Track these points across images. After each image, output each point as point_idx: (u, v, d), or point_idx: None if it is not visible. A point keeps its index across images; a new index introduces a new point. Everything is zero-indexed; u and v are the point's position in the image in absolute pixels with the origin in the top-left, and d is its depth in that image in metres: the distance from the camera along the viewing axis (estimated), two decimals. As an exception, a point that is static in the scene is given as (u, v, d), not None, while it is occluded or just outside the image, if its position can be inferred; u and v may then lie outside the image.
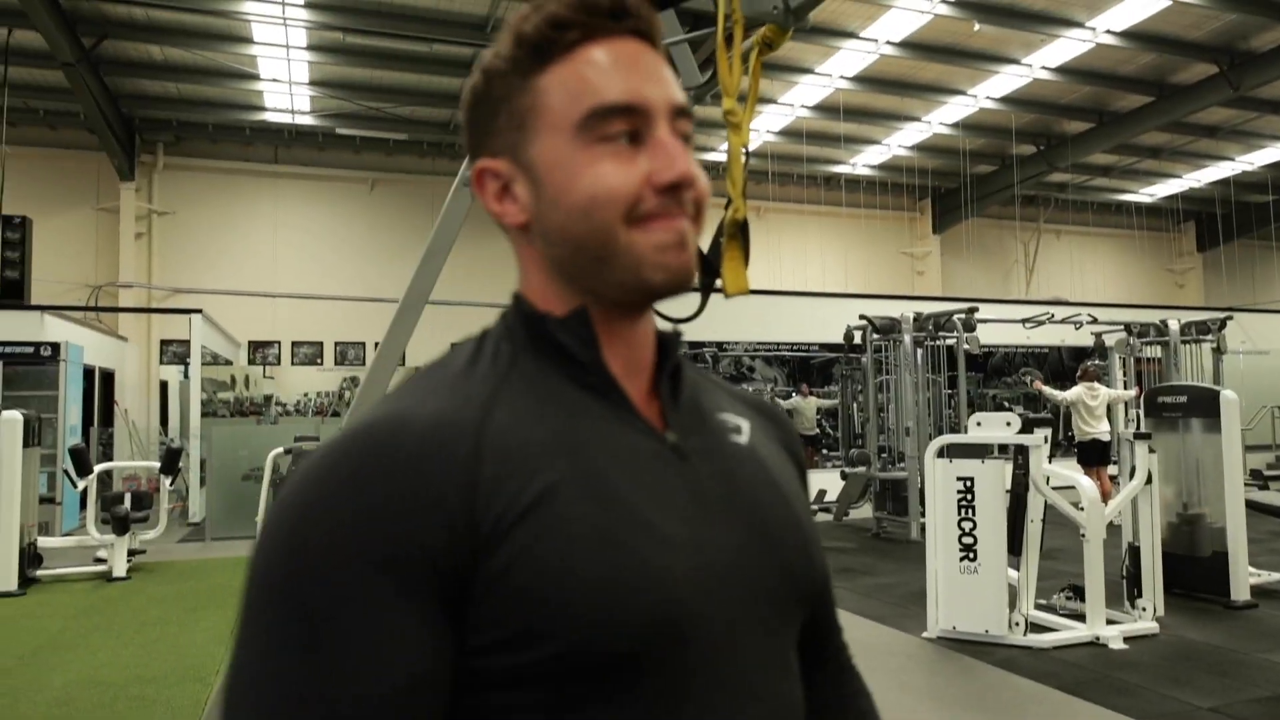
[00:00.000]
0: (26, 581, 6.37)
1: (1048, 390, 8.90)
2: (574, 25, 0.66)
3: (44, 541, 6.87)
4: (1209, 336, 10.03)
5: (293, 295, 14.60)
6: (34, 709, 3.92)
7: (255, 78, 12.16)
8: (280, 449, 6.90)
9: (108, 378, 11.31)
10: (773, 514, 0.71)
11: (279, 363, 14.37)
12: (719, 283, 1.74)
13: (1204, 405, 5.81)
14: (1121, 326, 10.39)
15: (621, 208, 0.64)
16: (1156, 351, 10.51)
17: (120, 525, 6.84)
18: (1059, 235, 19.51)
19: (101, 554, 7.00)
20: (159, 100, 13.11)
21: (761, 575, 0.67)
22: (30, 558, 6.45)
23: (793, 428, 0.85)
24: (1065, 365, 14.82)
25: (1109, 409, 8.62)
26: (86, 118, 12.39)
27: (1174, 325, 10.00)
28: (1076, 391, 8.49)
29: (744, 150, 1.82)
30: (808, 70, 12.13)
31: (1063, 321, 10.75)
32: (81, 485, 7.13)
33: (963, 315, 8.88)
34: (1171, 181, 17.47)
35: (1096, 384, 8.73)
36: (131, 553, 7.09)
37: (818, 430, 12.77)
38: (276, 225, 14.77)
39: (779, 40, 1.59)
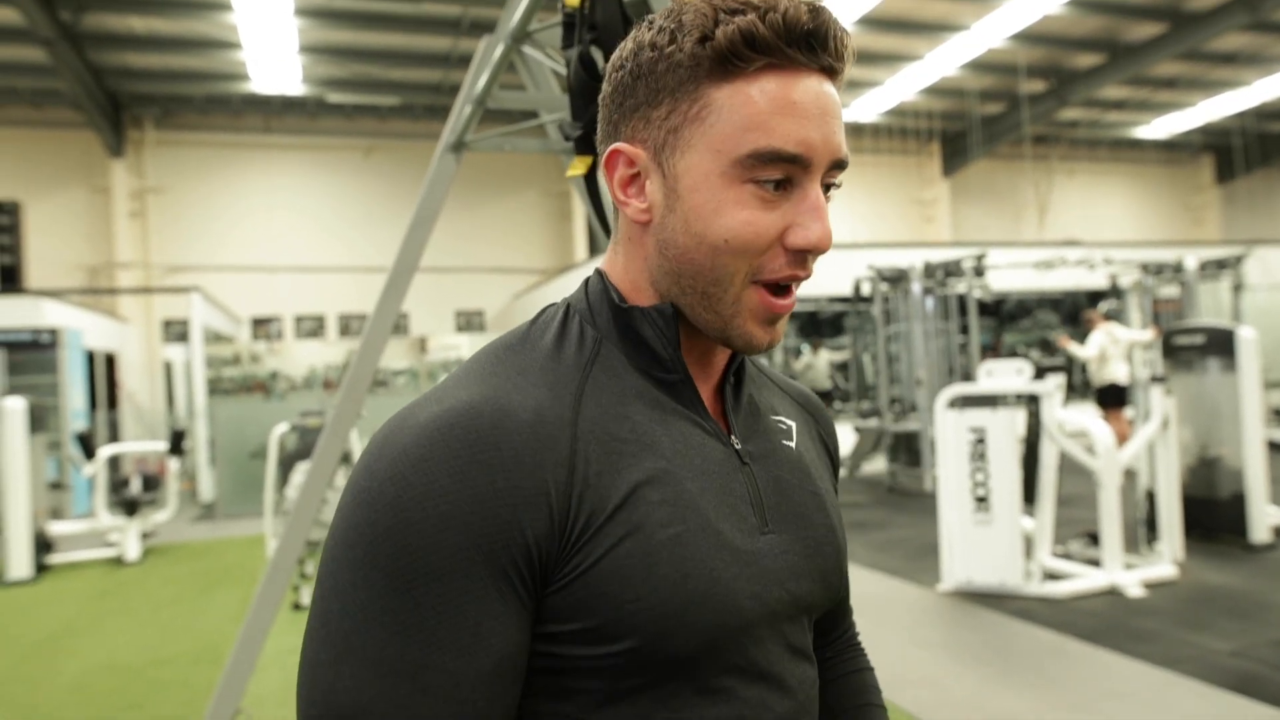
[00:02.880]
0: (40, 568, 6.40)
1: (1074, 348, 8.76)
2: (769, 50, 0.63)
3: (55, 527, 6.89)
4: (1227, 272, 9.80)
5: (292, 268, 14.51)
6: (51, 695, 3.93)
7: (240, 47, 11.90)
8: (284, 425, 6.85)
9: (110, 360, 11.29)
10: (815, 522, 0.75)
11: (281, 337, 14.33)
12: None
13: (1221, 344, 5.65)
14: (1137, 266, 10.14)
15: (750, 262, 0.65)
16: (1174, 290, 10.28)
17: (129, 508, 6.85)
18: (1072, 174, 19.09)
19: (113, 537, 7.03)
20: (144, 74, 12.87)
21: (801, 581, 0.71)
22: (42, 544, 6.47)
23: (830, 422, 0.88)
24: (1080, 308, 14.60)
25: (1128, 351, 8.48)
26: (71, 95, 12.20)
27: (1191, 263, 9.76)
28: (1098, 341, 8.33)
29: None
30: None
31: (1077, 263, 10.51)
32: (88, 470, 7.12)
33: (972, 261, 8.68)
34: (1188, 113, 16.98)
35: (1115, 326, 8.57)
36: (144, 535, 7.11)
37: (831, 385, 12.66)
38: (273, 197, 14.62)
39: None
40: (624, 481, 0.63)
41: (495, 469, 0.59)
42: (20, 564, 6.22)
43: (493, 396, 0.63)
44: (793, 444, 0.78)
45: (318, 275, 14.58)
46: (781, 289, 0.68)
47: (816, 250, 0.65)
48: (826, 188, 0.68)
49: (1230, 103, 16.28)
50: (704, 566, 0.63)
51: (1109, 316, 8.61)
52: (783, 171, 0.64)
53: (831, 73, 0.66)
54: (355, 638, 0.58)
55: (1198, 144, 19.37)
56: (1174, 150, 19.71)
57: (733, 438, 0.72)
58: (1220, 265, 9.76)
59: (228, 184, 14.44)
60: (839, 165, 0.67)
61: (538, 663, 0.63)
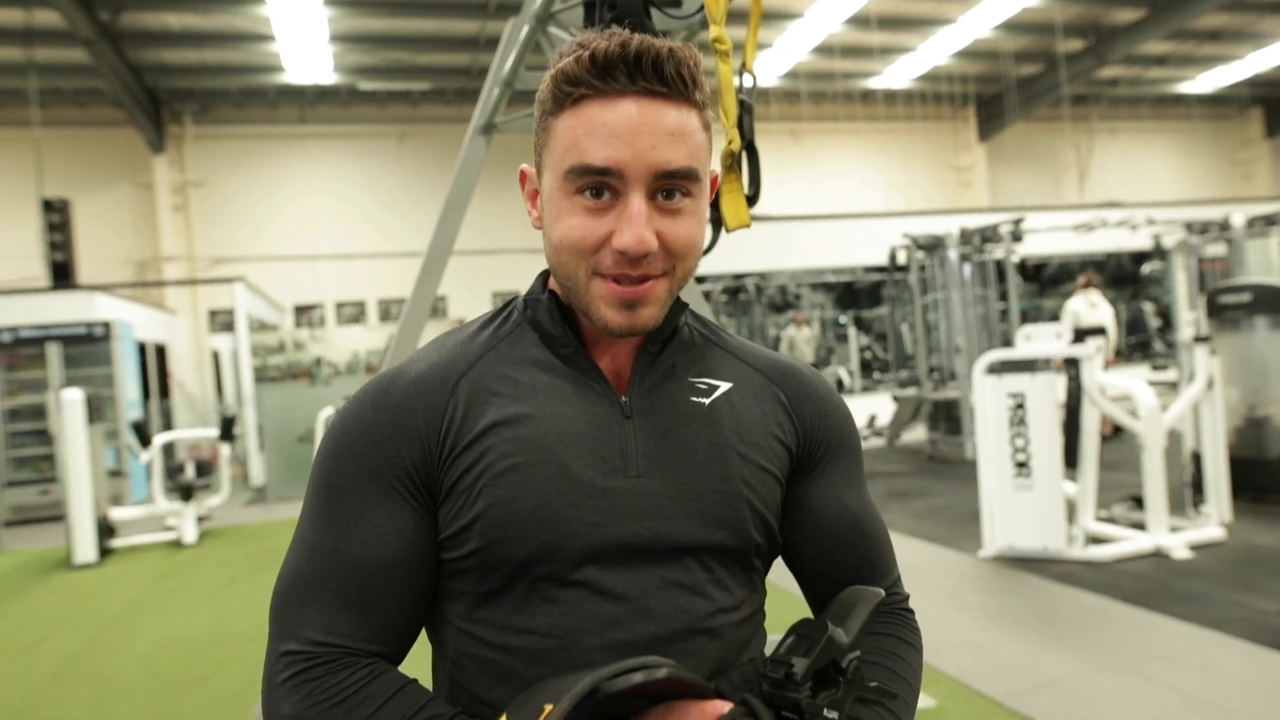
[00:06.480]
0: (103, 552, 6.66)
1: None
2: (581, 84, 0.75)
3: (116, 513, 7.15)
4: (1277, 229, 9.50)
5: (332, 255, 14.74)
6: (122, 671, 4.11)
7: (273, 39, 12.05)
8: (330, 410, 7.02)
9: (161, 351, 11.61)
10: (703, 471, 0.82)
11: (324, 324, 14.60)
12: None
13: (1269, 302, 5.52)
14: (1181, 225, 9.88)
15: (584, 259, 0.77)
16: (1221, 249, 10.01)
17: (185, 493, 7.08)
18: (1113, 134, 18.56)
19: (171, 522, 7.28)
20: (181, 70, 13.11)
21: (671, 522, 0.79)
22: (104, 529, 6.73)
23: (808, 392, 0.90)
24: (1124, 270, 14.26)
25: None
26: (113, 93, 12.47)
27: (1238, 219, 9.48)
28: (1074, 306, 8.33)
29: (739, 78, 1.71)
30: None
31: (1118, 225, 10.27)
32: (145, 457, 7.37)
33: (1010, 226, 8.54)
34: (1234, 66, 16.38)
35: (1098, 296, 8.50)
36: (200, 518, 7.35)
37: (814, 361, 12.58)
38: (310, 186, 14.83)
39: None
40: (483, 422, 0.79)
41: (382, 413, 0.80)
42: (85, 549, 6.49)
43: (403, 366, 0.84)
44: (706, 402, 0.85)
45: (357, 262, 14.80)
46: (631, 279, 0.77)
47: (629, 253, 0.75)
48: (670, 194, 0.76)
49: (1279, 53, 15.68)
50: (537, 492, 0.77)
51: (1091, 284, 8.61)
52: (597, 183, 0.75)
53: (656, 94, 0.75)
54: (301, 531, 0.81)
55: (1246, 97, 18.70)
56: (1220, 105, 19.05)
57: (624, 397, 0.83)
58: (1269, 221, 9.47)
59: (266, 175, 14.68)
60: (672, 175, 0.75)
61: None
